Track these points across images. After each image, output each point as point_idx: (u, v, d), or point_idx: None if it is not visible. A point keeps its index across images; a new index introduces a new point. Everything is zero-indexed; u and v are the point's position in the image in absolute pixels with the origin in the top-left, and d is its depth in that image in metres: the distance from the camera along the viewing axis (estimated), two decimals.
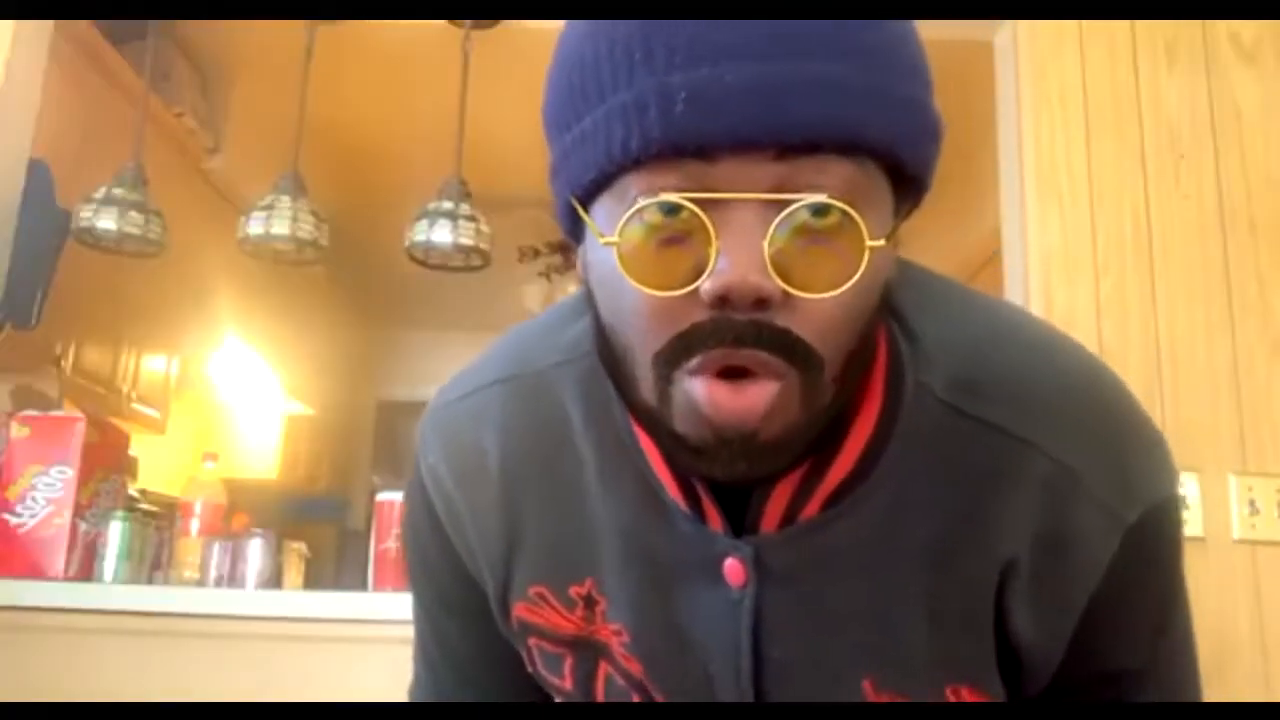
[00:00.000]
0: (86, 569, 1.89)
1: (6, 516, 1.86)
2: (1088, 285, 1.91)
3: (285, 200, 2.38)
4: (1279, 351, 1.88)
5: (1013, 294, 2.05)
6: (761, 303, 0.49)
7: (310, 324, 4.72)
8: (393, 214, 2.93)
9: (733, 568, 0.61)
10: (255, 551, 1.98)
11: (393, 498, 1.94)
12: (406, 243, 2.51)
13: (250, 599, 1.88)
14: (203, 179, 3.55)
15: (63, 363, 2.79)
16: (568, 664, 0.69)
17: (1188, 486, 1.82)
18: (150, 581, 1.96)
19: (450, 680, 0.80)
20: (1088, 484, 0.58)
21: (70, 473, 1.89)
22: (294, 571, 2.19)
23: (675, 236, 0.50)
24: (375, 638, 1.72)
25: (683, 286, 0.50)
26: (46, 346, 2.68)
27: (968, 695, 0.61)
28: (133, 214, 2.37)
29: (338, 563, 5.31)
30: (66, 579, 1.85)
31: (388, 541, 1.90)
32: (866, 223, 0.49)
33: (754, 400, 0.50)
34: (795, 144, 0.48)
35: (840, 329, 0.51)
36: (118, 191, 2.38)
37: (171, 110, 3.17)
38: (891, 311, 0.60)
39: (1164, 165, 1.96)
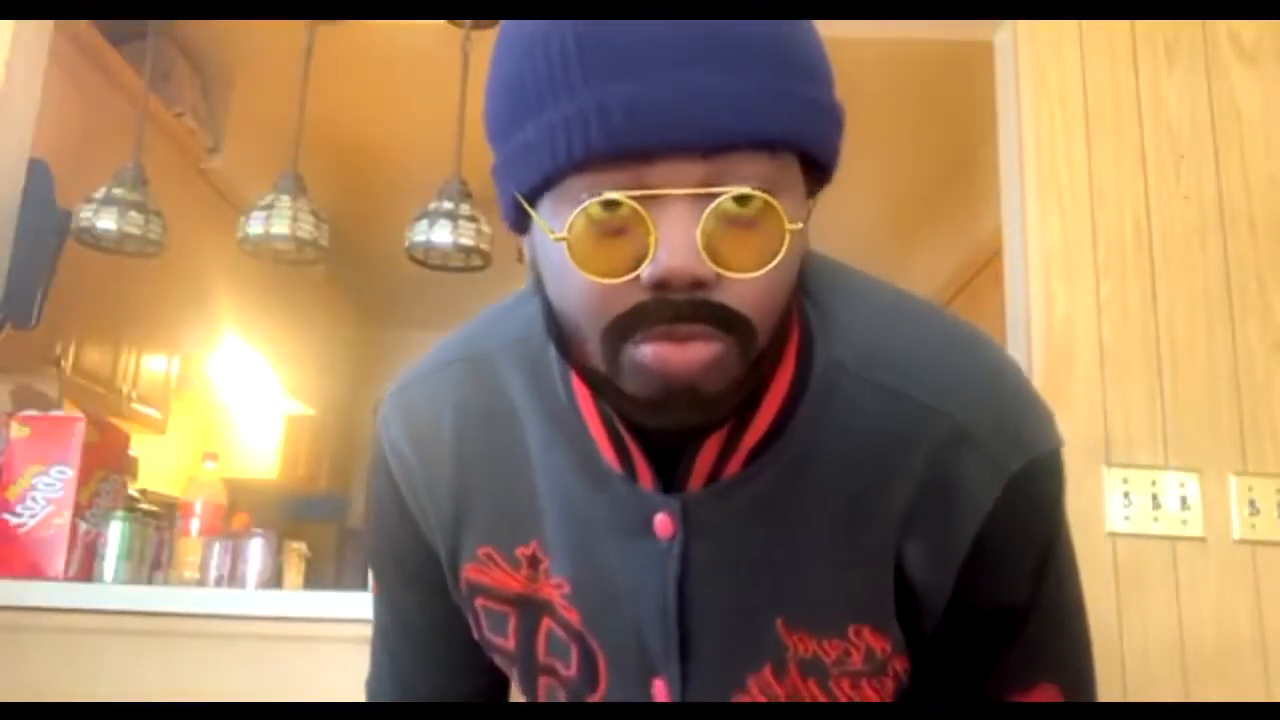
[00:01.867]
0: (86, 569, 1.89)
1: (6, 516, 1.86)
2: (1088, 286, 1.91)
3: (285, 200, 2.38)
4: (1279, 351, 1.88)
5: (1013, 294, 2.05)
6: (698, 284, 0.56)
7: (310, 324, 4.72)
8: (393, 214, 2.93)
9: (663, 522, 0.68)
10: (255, 551, 1.98)
11: None
12: (407, 243, 2.51)
13: (250, 599, 1.88)
14: (203, 179, 3.55)
15: (63, 363, 2.79)
16: (512, 623, 0.75)
17: (1188, 487, 1.82)
18: (150, 581, 1.96)
19: (410, 661, 0.85)
20: (976, 438, 0.65)
21: (70, 473, 1.88)
22: (294, 571, 2.19)
23: (617, 229, 0.56)
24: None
25: (626, 273, 0.56)
26: (46, 346, 2.68)
27: (868, 634, 0.68)
28: (133, 214, 2.37)
29: (338, 562, 5.30)
30: (66, 579, 1.85)
31: None
32: (784, 207, 0.56)
33: (697, 354, 0.57)
34: (719, 145, 0.55)
35: (769, 300, 0.59)
36: (118, 191, 2.38)
37: (171, 110, 3.17)
38: (805, 292, 0.68)
39: (1164, 165, 1.96)
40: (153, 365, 3.40)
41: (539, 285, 0.63)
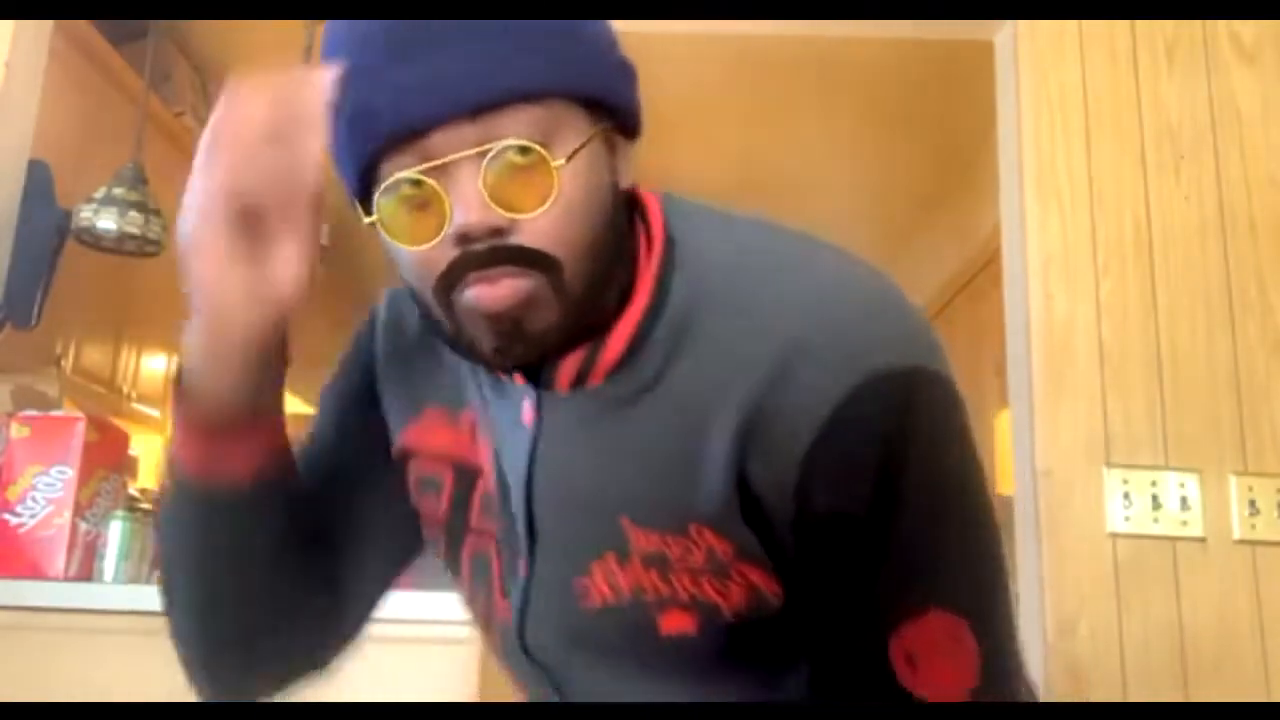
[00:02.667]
0: (86, 569, 1.89)
1: (6, 516, 1.86)
2: (1088, 286, 1.91)
3: None
4: (1279, 351, 1.88)
5: (1013, 295, 2.05)
6: (496, 231, 0.65)
7: (310, 323, 4.72)
8: None
9: (526, 410, 0.75)
10: None
11: None
12: None
13: None
14: None
15: (63, 363, 2.79)
16: (447, 485, 0.81)
17: (1188, 487, 1.82)
18: (150, 581, 1.96)
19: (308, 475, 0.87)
20: (816, 354, 0.67)
21: (70, 473, 1.88)
22: None
23: (422, 203, 0.65)
24: (374, 637, 1.71)
25: (434, 237, 0.65)
26: (46, 346, 2.69)
27: (710, 535, 0.70)
28: (133, 214, 2.37)
29: None
30: (66, 579, 1.85)
31: None
32: (556, 148, 0.65)
33: (506, 290, 0.65)
34: (471, 109, 0.64)
35: (568, 235, 0.66)
36: (118, 191, 2.38)
37: (171, 110, 3.17)
38: (670, 231, 0.75)
39: (1164, 165, 1.96)
40: (153, 365, 3.40)
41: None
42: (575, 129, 0.67)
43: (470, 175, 0.64)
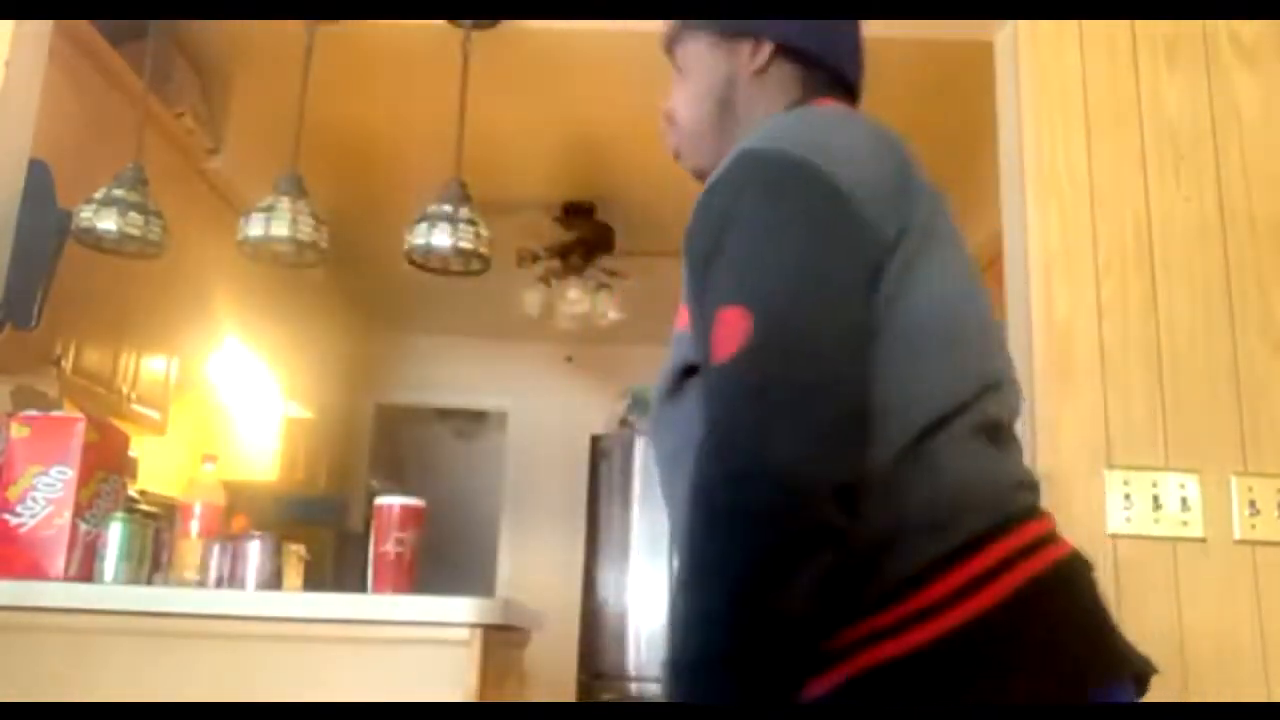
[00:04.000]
0: (86, 569, 1.89)
1: (6, 516, 1.86)
2: (1088, 286, 1.91)
3: (285, 202, 2.38)
4: (1279, 351, 1.88)
5: (1013, 296, 2.05)
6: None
7: (310, 326, 4.72)
8: (392, 216, 2.93)
9: None
10: (255, 553, 1.98)
11: (391, 501, 1.93)
12: (406, 246, 2.51)
13: (250, 599, 1.88)
14: (203, 179, 3.55)
15: (63, 363, 2.79)
16: None
17: (1188, 488, 1.82)
18: (150, 582, 1.96)
19: None
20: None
21: (70, 473, 1.88)
22: (293, 573, 2.18)
23: None
24: (375, 639, 1.72)
25: None
26: (46, 346, 2.68)
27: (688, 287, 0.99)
28: (133, 214, 2.37)
29: (336, 565, 5.29)
30: (66, 579, 1.85)
31: (386, 544, 1.90)
32: (687, 66, 1.17)
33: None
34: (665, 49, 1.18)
35: (682, 120, 1.17)
36: (118, 192, 2.38)
37: (171, 110, 3.17)
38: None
39: (1164, 165, 1.96)
40: (152, 366, 3.40)
41: None
42: (700, 57, 1.16)
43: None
